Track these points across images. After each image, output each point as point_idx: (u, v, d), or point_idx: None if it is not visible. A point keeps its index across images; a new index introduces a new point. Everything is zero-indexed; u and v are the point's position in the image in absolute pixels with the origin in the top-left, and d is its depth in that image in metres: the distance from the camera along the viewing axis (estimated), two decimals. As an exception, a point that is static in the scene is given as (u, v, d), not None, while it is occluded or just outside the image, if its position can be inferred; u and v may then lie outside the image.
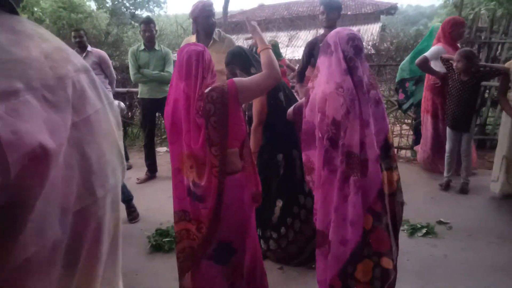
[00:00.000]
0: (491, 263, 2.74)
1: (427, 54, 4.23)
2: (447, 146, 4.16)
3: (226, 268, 1.83)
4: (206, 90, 1.71)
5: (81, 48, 4.59)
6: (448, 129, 4.13)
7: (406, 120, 6.12)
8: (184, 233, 1.83)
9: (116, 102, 3.17)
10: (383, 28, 15.73)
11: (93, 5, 18.52)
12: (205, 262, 1.81)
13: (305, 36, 15.07)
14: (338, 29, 1.73)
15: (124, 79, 6.90)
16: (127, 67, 4.87)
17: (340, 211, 1.66)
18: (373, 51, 7.46)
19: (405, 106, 5.20)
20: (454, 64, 3.80)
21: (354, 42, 1.63)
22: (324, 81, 1.67)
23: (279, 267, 2.77)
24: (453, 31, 4.23)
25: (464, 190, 4.06)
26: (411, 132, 6.01)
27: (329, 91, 1.62)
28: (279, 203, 2.59)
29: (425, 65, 4.21)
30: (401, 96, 5.12)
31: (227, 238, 1.80)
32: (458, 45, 4.36)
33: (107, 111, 0.67)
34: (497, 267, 2.69)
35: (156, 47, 4.51)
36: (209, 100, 1.68)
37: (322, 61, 1.71)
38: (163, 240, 3.08)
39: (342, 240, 1.66)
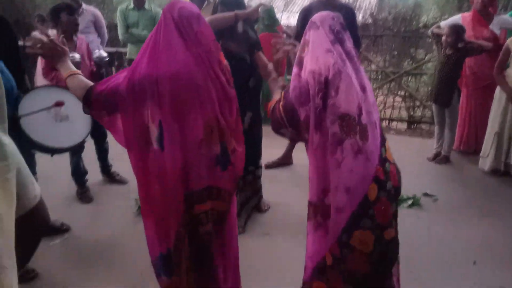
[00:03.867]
0: (470, 236, 2.80)
1: (442, 22, 4.20)
2: (435, 120, 4.33)
3: None
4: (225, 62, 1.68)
5: (75, 4, 4.36)
6: (433, 104, 4.28)
7: (399, 92, 6.08)
8: (212, 213, 1.60)
9: (97, 51, 3.05)
10: (382, -3, 15.32)
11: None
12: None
13: (302, 1, 14.64)
14: (320, 12, 1.78)
15: (112, 38, 6.66)
16: (115, 26, 4.70)
17: (334, 177, 1.58)
18: (370, 21, 7.28)
19: None
20: (443, 38, 3.90)
21: (339, 19, 1.71)
22: (314, 48, 1.66)
23: (264, 233, 2.81)
24: None
25: (443, 161, 4.20)
26: (403, 104, 5.99)
27: (320, 53, 1.63)
28: None
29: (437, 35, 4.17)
30: None
31: None
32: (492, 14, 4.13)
33: None
34: (476, 239, 2.75)
35: (146, 6, 4.33)
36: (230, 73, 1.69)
37: (310, 35, 1.72)
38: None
39: (337, 208, 1.59)
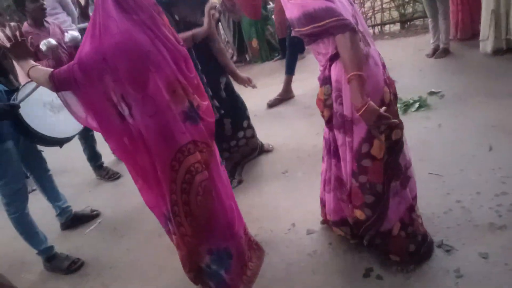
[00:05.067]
0: (481, 123, 2.80)
1: None
2: (427, 13, 4.16)
3: None
4: None
5: None
6: None
7: (386, -7, 5.78)
8: (199, 166, 1.67)
9: (67, 33, 2.94)
10: None
11: None
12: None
13: None
14: None
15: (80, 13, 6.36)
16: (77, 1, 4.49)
17: (348, 89, 1.58)
18: None
19: None
20: None
21: None
22: None
23: (283, 171, 2.87)
24: None
25: (443, 54, 4.10)
26: (393, 4, 5.73)
27: None
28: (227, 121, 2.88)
29: None
30: None
31: None
32: None
33: None
34: (488, 125, 2.75)
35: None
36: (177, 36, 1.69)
37: None
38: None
39: (356, 118, 1.60)
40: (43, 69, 1.63)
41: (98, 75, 1.50)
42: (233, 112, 2.88)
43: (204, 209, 1.71)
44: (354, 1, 1.64)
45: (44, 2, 2.99)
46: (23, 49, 1.69)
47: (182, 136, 1.60)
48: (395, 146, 1.70)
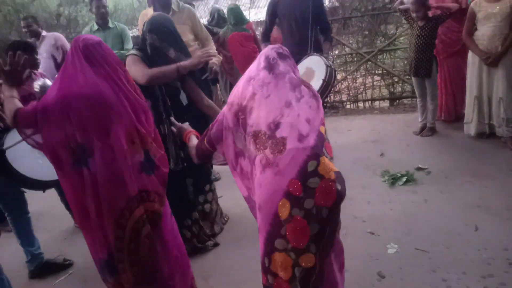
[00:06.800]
0: (467, 202, 2.84)
1: None
2: (416, 93, 4.38)
3: None
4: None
5: (34, 36, 4.22)
6: (413, 78, 4.33)
7: (376, 71, 6.13)
8: (146, 216, 1.74)
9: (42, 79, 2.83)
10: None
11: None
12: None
13: (267, -5, 14.58)
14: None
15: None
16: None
17: (255, 197, 1.50)
18: (337, 4, 7.32)
19: None
20: (414, 15, 3.98)
21: (278, 50, 1.67)
22: (240, 80, 1.69)
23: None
24: None
25: (430, 133, 4.26)
26: (383, 83, 6.04)
27: (242, 83, 1.66)
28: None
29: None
30: None
31: None
32: None
33: None
34: (473, 204, 2.80)
35: (110, 24, 4.26)
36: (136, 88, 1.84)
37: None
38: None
39: (258, 229, 1.48)
40: (15, 103, 1.72)
41: (61, 120, 1.61)
42: (196, 172, 2.78)
43: (149, 259, 1.75)
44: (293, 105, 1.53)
45: (38, 57, 2.90)
46: (15, 78, 1.82)
47: (134, 187, 1.68)
48: (307, 275, 1.43)
